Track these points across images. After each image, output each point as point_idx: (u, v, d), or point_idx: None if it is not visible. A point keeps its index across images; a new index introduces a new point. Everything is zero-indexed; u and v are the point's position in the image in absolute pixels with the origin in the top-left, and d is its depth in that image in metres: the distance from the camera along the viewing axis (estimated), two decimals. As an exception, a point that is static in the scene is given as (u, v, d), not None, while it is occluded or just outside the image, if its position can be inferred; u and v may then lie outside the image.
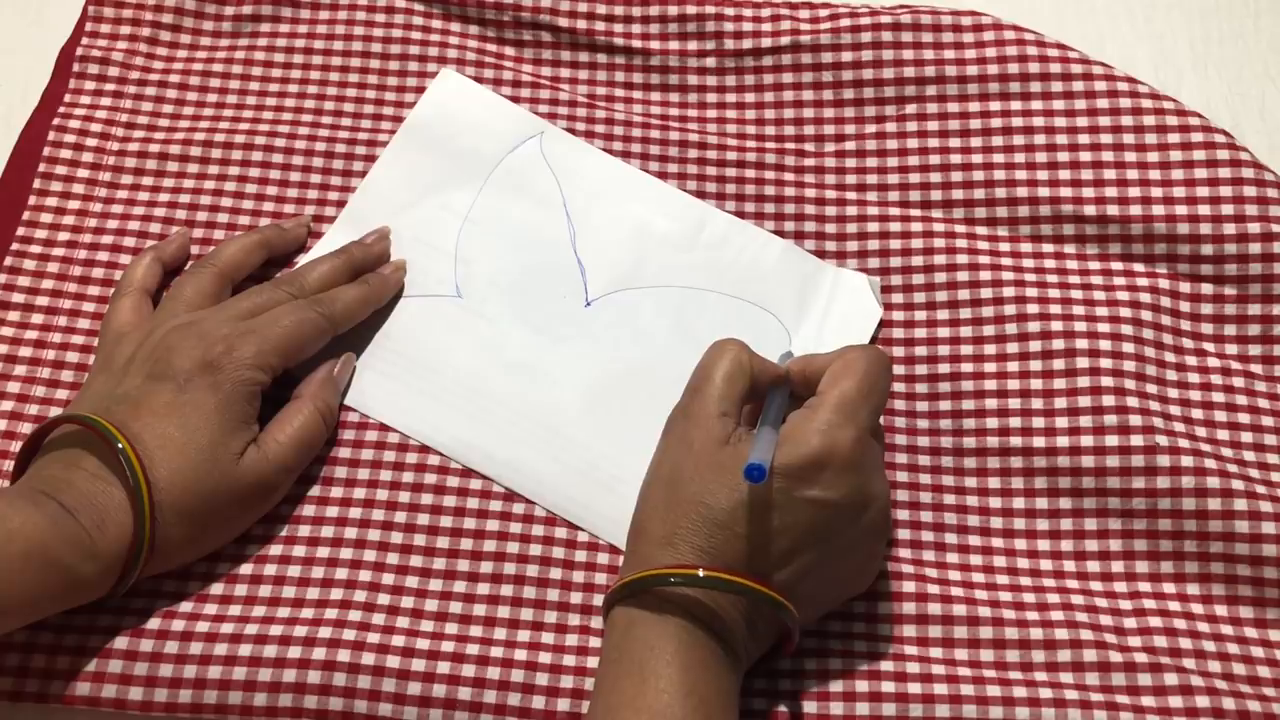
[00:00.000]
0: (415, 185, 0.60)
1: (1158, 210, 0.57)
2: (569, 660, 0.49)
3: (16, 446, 0.53)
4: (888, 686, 0.49)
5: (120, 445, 0.47)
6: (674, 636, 0.44)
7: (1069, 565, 0.52)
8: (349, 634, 0.49)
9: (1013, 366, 0.55)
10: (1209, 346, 0.56)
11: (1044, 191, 0.58)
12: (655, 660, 0.43)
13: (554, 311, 0.57)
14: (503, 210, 0.60)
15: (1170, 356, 0.55)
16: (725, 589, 0.44)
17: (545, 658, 0.49)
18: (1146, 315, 0.55)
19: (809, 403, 0.47)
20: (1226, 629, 0.50)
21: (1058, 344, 0.55)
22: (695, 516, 0.45)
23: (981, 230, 0.58)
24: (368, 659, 0.48)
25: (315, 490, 0.53)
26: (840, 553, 0.47)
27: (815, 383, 0.49)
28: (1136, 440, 0.52)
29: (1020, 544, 0.53)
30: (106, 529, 0.46)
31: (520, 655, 0.49)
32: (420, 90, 0.62)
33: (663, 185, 0.60)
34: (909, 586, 0.51)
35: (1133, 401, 0.53)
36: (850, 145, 0.60)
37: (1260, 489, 0.52)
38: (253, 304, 0.53)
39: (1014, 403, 0.54)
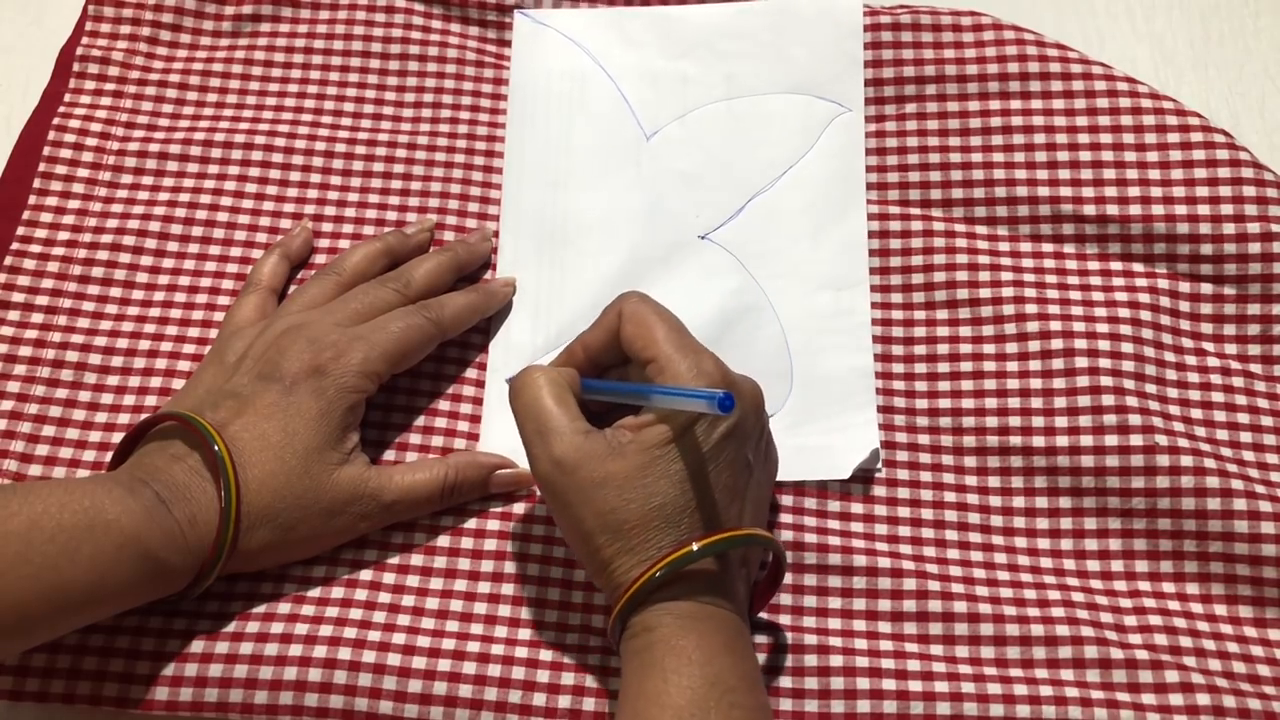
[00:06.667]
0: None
1: (1157, 210, 0.57)
2: (570, 658, 0.49)
3: (16, 446, 0.53)
4: (889, 684, 0.49)
5: (217, 448, 0.47)
6: (691, 629, 0.44)
7: (1069, 564, 0.52)
8: (350, 632, 0.49)
9: (1013, 366, 0.55)
10: (1209, 346, 0.56)
11: (1044, 191, 0.58)
12: (676, 658, 0.43)
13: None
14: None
15: (1170, 356, 0.55)
16: (722, 547, 0.44)
17: (546, 655, 0.49)
18: (1146, 315, 0.56)
19: (651, 369, 0.46)
20: (1226, 628, 0.51)
21: (1057, 344, 0.55)
22: (654, 528, 0.44)
23: (981, 230, 0.58)
24: (369, 657, 0.48)
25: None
26: (763, 459, 0.48)
27: (602, 356, 0.49)
28: (1136, 440, 0.52)
29: (1020, 542, 0.53)
30: (197, 524, 0.47)
31: (521, 653, 0.49)
32: (420, 90, 0.62)
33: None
34: (910, 584, 0.51)
35: (1132, 401, 0.53)
36: (850, 144, 0.60)
37: (1260, 489, 0.52)
38: (361, 304, 0.53)
39: (1014, 402, 0.54)
